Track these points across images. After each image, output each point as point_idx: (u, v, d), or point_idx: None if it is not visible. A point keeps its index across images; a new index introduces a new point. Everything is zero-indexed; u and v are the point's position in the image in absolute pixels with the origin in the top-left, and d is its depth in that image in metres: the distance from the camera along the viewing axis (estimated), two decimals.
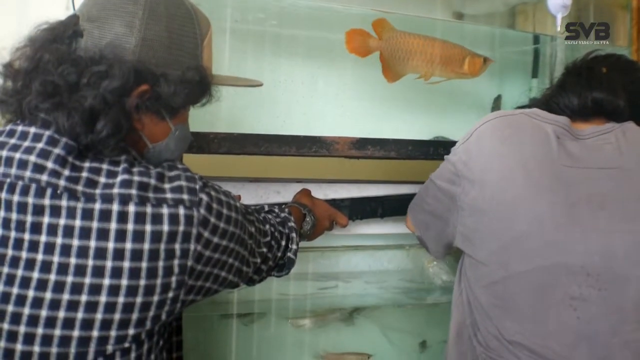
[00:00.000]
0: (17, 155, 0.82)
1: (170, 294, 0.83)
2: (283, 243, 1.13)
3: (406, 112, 1.79)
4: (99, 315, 0.79)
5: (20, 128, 0.85)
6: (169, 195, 0.84)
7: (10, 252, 0.79)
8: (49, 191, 0.80)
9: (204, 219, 0.85)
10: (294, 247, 1.16)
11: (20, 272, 0.79)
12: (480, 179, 1.08)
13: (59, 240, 0.79)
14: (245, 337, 1.73)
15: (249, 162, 1.47)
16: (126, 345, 0.81)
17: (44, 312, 0.78)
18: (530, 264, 1.03)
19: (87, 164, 0.83)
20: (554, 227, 1.01)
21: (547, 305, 1.02)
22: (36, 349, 0.78)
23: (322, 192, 1.56)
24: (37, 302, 0.78)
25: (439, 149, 1.57)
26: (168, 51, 0.88)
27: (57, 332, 0.78)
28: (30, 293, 0.78)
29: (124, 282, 0.79)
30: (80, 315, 0.78)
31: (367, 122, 1.71)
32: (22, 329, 0.78)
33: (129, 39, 0.86)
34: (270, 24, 1.63)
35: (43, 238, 0.79)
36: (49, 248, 0.79)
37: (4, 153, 0.83)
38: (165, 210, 0.82)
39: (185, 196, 0.84)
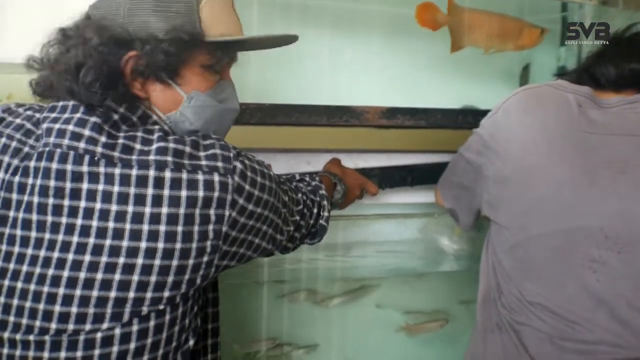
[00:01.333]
0: (56, 126, 0.85)
1: (205, 258, 0.85)
2: (315, 211, 1.15)
3: (435, 81, 1.78)
4: (135, 277, 0.81)
5: (60, 103, 0.89)
6: (203, 162, 0.85)
7: (50, 218, 0.82)
8: (86, 158, 0.83)
9: (238, 186, 0.86)
10: (326, 214, 1.17)
11: (60, 237, 0.82)
12: (504, 149, 1.11)
13: (97, 205, 0.82)
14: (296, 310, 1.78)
15: (280, 133, 1.48)
16: (161, 307, 0.84)
17: (82, 274, 0.80)
18: (549, 227, 1.04)
19: (122, 133, 0.86)
20: (573, 191, 1.02)
21: (567, 268, 1.04)
22: (74, 309, 0.80)
23: (353, 162, 1.58)
24: (76, 265, 0.81)
25: (468, 117, 1.58)
26: (155, 15, 0.89)
27: (95, 293, 0.81)
28: (70, 256, 0.81)
29: (160, 245, 0.81)
30: (117, 276, 0.81)
31: (396, 92, 1.71)
32: (61, 290, 0.81)
33: (118, 11, 0.89)
34: None
35: (82, 203, 0.82)
36: (88, 213, 0.81)
37: (45, 125, 0.86)
38: (200, 177, 0.84)
39: (219, 163, 0.86)
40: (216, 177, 0.85)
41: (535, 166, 1.06)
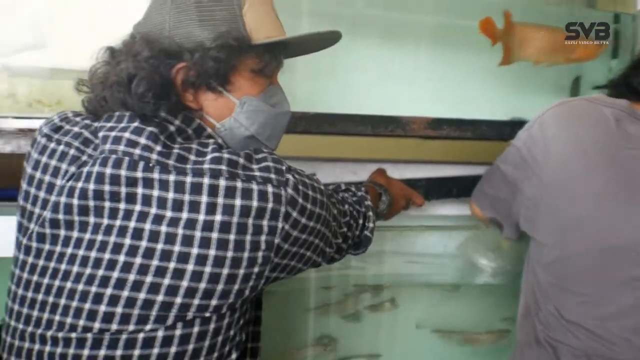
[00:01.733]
0: (113, 134, 0.87)
1: (256, 269, 0.85)
2: (360, 222, 1.14)
3: (483, 93, 1.77)
4: (184, 283, 0.81)
5: (117, 113, 0.91)
6: (257, 173, 0.85)
7: (105, 221, 0.84)
8: (141, 164, 0.84)
9: (292, 199, 0.86)
10: (371, 225, 1.17)
11: (112, 239, 0.83)
12: (541, 164, 1.09)
13: (152, 210, 0.83)
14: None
15: (325, 142, 1.49)
16: (207, 314, 0.84)
17: (131, 276, 0.81)
18: (588, 245, 1.02)
19: (177, 145, 0.87)
20: (612, 207, 0.99)
21: (606, 287, 1.01)
22: (119, 310, 0.82)
23: (399, 172, 1.57)
24: (127, 267, 0.82)
25: (515, 129, 1.55)
26: (199, 25, 0.90)
27: (142, 295, 0.81)
28: (121, 258, 0.82)
29: (212, 252, 0.81)
30: (166, 281, 0.81)
31: (443, 103, 1.70)
32: (108, 291, 0.82)
33: (163, 25, 0.91)
34: (344, 4, 1.64)
35: (137, 207, 0.83)
36: (142, 216, 0.83)
37: (101, 134, 0.88)
38: (254, 187, 0.84)
39: (273, 175, 0.86)
40: (270, 189, 0.84)
41: (572, 182, 1.03)
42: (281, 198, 0.85)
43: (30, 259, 0.88)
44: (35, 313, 0.86)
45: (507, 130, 1.56)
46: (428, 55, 1.72)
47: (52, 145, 0.92)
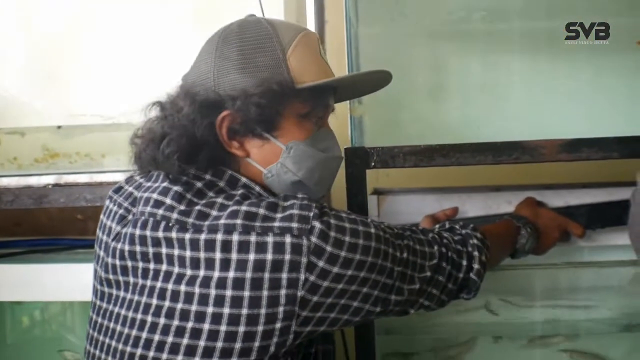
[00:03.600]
0: (145, 195, 0.92)
1: (278, 325, 0.82)
2: (464, 263, 1.04)
3: (627, 107, 1.51)
4: (201, 343, 0.81)
5: (155, 172, 0.95)
6: (276, 224, 0.83)
7: (140, 281, 0.88)
8: (162, 224, 0.86)
9: (316, 248, 0.82)
10: (476, 266, 1.06)
11: (144, 299, 0.86)
12: None
13: (175, 269, 0.84)
14: None
15: (473, 170, 1.39)
16: None
17: (156, 337, 0.84)
18: None
19: (204, 200, 0.88)
20: None
21: None
22: None
23: (563, 199, 1.41)
24: (153, 327, 0.84)
25: None
26: (243, 72, 0.91)
27: (164, 356, 0.83)
28: (149, 318, 0.85)
29: (226, 310, 0.81)
30: (185, 341, 0.82)
31: (574, 122, 1.48)
32: (138, 351, 0.85)
33: (208, 75, 0.92)
34: (455, 20, 1.51)
35: (163, 267, 0.85)
36: (167, 276, 0.85)
37: (139, 194, 0.93)
38: (269, 239, 0.82)
39: (294, 224, 0.83)
40: (287, 239, 0.81)
41: None
42: (302, 248, 0.81)
43: (94, 316, 0.97)
44: None
45: None
46: (552, 71, 1.51)
47: (110, 205, 1.00)
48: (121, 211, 0.95)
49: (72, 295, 1.46)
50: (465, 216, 1.41)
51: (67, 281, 1.43)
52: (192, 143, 0.90)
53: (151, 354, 0.84)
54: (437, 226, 1.18)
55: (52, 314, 1.78)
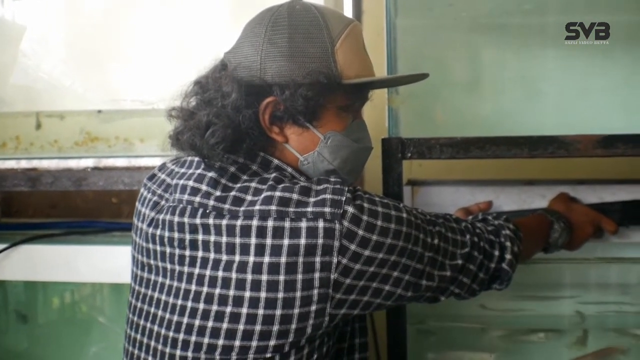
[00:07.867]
0: (181, 182, 0.94)
1: (313, 307, 0.85)
2: (496, 253, 1.06)
3: None
4: (241, 326, 0.84)
5: (189, 158, 0.97)
6: (309, 209, 0.85)
7: (177, 267, 0.90)
8: (200, 211, 0.89)
9: (348, 232, 0.84)
10: (508, 256, 1.07)
11: (183, 285, 0.89)
12: None
13: (211, 256, 0.87)
14: None
15: (506, 163, 1.41)
16: (268, 355, 0.85)
17: (197, 322, 0.87)
18: None
19: (238, 184, 0.89)
20: None
21: None
22: (189, 354, 0.87)
23: (597, 195, 1.42)
24: (193, 312, 0.87)
25: None
26: (291, 60, 0.91)
27: (206, 340, 0.86)
28: (189, 304, 0.88)
29: (263, 294, 0.83)
30: (225, 325, 0.85)
31: (609, 117, 1.47)
32: (180, 336, 0.88)
33: (255, 58, 0.93)
34: (498, 13, 1.50)
35: (200, 253, 0.88)
36: (204, 262, 0.88)
37: (174, 181, 0.95)
38: (303, 224, 0.84)
39: (327, 209, 0.85)
40: (320, 224, 0.84)
41: None
42: (334, 232, 0.84)
43: (133, 300, 1.00)
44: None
45: None
46: (588, 65, 1.50)
47: (145, 192, 1.02)
48: (155, 198, 0.98)
49: (107, 277, 1.50)
50: (499, 210, 1.41)
51: (102, 263, 1.47)
52: (236, 133, 0.91)
53: (193, 338, 0.86)
54: (470, 217, 1.19)
55: (83, 296, 1.81)
